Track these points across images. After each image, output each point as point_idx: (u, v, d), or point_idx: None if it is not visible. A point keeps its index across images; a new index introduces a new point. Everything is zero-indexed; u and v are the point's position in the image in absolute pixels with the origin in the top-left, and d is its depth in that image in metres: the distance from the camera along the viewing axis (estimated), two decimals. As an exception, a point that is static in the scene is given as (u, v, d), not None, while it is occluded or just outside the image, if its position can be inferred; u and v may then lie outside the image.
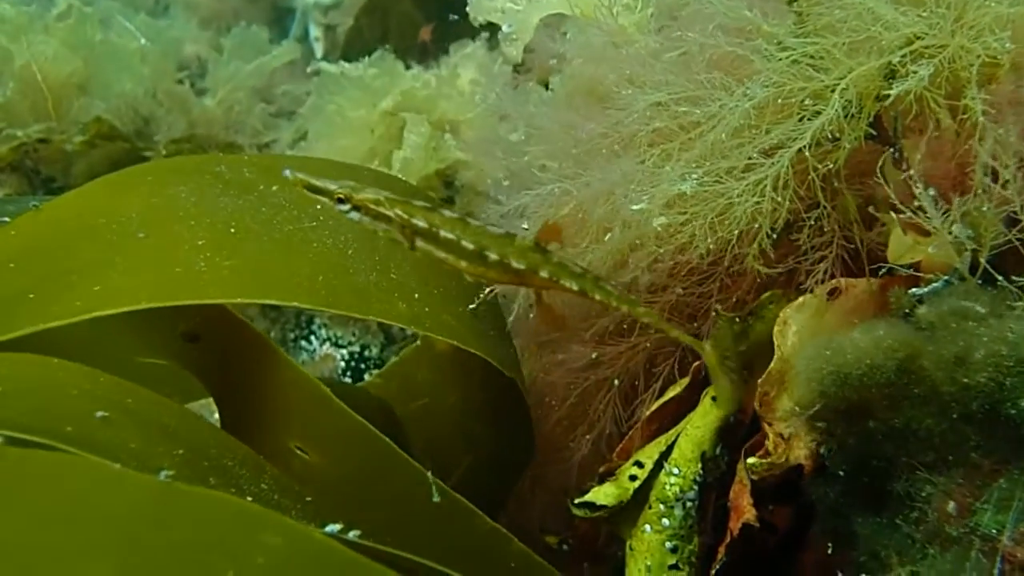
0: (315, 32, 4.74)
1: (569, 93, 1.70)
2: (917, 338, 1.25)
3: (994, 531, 1.21)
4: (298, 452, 1.50)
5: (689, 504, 1.60)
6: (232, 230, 1.51)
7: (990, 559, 1.19)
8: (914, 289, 1.28)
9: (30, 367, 1.22)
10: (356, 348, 3.07)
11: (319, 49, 4.69)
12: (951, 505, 1.24)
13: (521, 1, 1.83)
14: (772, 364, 1.48)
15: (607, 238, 1.50)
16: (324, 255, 1.55)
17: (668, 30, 1.54)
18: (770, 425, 1.48)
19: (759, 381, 1.49)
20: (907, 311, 1.28)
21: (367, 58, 3.01)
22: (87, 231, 1.46)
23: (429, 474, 1.43)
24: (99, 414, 1.17)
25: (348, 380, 3.10)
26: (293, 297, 1.45)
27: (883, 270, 1.37)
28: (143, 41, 3.60)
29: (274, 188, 1.65)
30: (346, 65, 2.96)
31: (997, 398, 1.21)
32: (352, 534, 1.15)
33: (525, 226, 1.61)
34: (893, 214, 1.29)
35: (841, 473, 1.37)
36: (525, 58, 2.00)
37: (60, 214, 1.49)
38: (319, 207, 1.66)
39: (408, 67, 3.36)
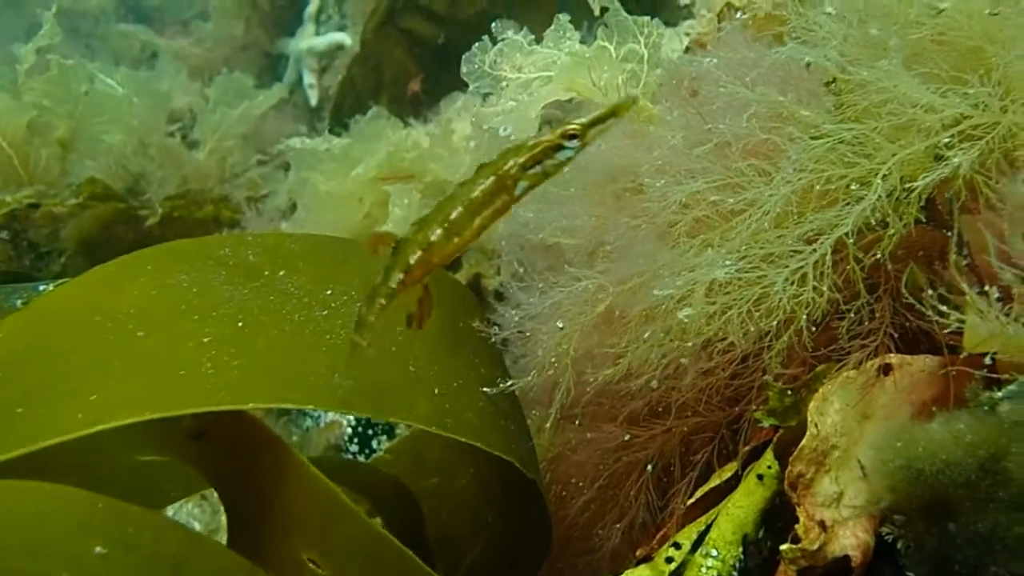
0: (308, 79, 4.67)
1: (589, 178, 1.62)
2: (1002, 436, 1.15)
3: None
4: (311, 565, 1.39)
5: (727, 591, 1.49)
6: (240, 324, 1.41)
7: None
8: (989, 392, 1.18)
9: (21, 497, 1.11)
10: (363, 413, 2.95)
11: (313, 97, 4.62)
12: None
13: (519, 95, 1.76)
14: (805, 441, 1.38)
15: (647, 335, 1.41)
16: (338, 349, 1.44)
17: (690, 114, 1.47)
18: (801, 507, 1.39)
19: (791, 459, 1.40)
20: (987, 408, 1.18)
21: (359, 116, 2.94)
22: (82, 331, 1.35)
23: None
24: (98, 550, 1.06)
25: (355, 447, 2.99)
26: (309, 399, 1.35)
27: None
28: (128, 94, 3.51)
29: (281, 273, 1.55)
30: (308, 142, 2.90)
31: (1089, 512, 1.11)
32: None
33: (560, 324, 1.52)
34: (968, 299, 1.20)
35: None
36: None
37: (52, 313, 1.38)
38: (329, 292, 1.56)
39: (406, 122, 3.30)
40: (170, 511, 2.35)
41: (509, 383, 1.61)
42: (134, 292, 1.42)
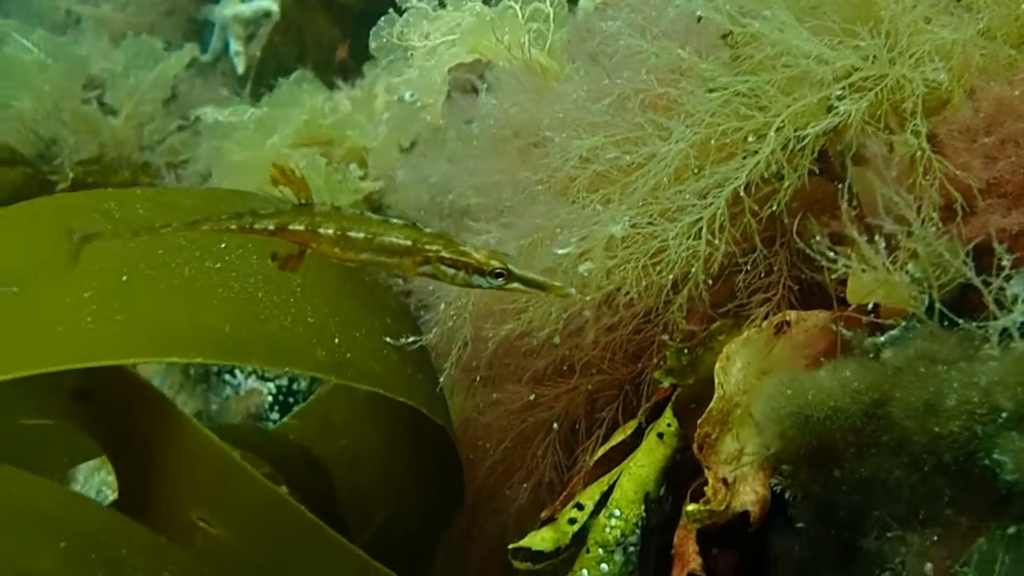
0: (235, 47, 4.54)
1: (494, 135, 1.60)
2: (886, 382, 1.16)
3: (978, 597, 1.12)
4: (202, 525, 1.35)
5: (631, 549, 1.49)
6: (124, 278, 1.35)
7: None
8: (872, 337, 1.20)
9: None
10: (284, 381, 2.90)
11: (240, 64, 4.49)
12: (928, 567, 1.15)
13: (426, 61, 1.73)
14: (713, 403, 1.39)
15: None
16: (231, 301, 1.40)
17: (594, 68, 1.45)
18: (710, 469, 1.39)
19: (699, 421, 1.40)
20: (872, 355, 1.19)
21: (284, 78, 2.86)
22: (-49, 286, 1.28)
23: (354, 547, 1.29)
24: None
25: (276, 415, 2.93)
26: (196, 353, 1.30)
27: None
28: (42, 57, 3.37)
29: (172, 225, 1.49)
30: (224, 113, 2.80)
31: (971, 448, 1.12)
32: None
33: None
34: (851, 252, 1.20)
35: (806, 525, 1.27)
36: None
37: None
38: (223, 246, 1.51)
39: (334, 85, 3.22)
40: (83, 481, 2.27)
41: (412, 339, 1.58)
42: (10, 248, 1.36)
